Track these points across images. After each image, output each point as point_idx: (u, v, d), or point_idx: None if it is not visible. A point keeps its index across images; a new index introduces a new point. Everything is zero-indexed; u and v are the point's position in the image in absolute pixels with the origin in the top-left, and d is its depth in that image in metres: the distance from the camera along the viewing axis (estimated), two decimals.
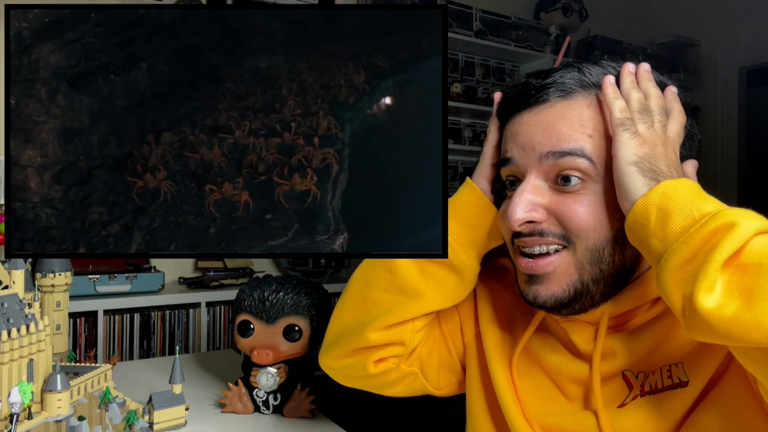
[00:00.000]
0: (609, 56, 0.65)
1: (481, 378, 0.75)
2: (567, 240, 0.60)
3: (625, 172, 0.55)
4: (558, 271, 0.60)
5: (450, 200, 0.71)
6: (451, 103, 2.71)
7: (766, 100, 3.47)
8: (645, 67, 0.62)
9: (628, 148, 0.55)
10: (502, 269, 0.78)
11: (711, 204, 0.51)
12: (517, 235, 0.63)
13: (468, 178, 0.71)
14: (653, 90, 0.61)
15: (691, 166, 0.62)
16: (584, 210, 0.59)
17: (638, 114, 0.58)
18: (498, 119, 0.68)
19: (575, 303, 0.61)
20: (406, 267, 0.70)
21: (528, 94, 0.62)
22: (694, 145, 0.64)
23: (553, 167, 0.59)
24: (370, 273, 0.73)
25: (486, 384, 0.74)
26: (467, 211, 0.69)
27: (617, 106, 0.58)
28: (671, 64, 3.36)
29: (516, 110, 0.64)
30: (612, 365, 0.63)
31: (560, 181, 0.59)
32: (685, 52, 3.52)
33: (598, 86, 0.61)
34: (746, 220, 0.47)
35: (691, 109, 0.64)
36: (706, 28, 3.45)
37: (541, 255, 0.61)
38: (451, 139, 2.83)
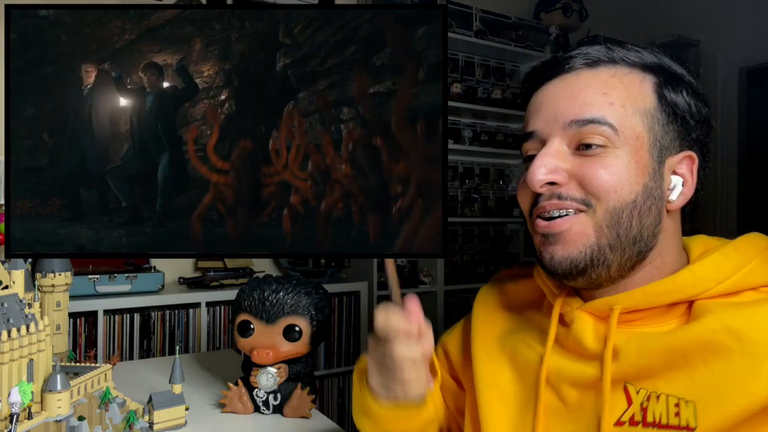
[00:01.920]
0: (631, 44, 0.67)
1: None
2: (587, 203, 0.60)
3: None
4: (574, 230, 0.61)
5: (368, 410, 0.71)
6: (451, 103, 2.71)
7: (766, 100, 3.46)
8: None
9: None
10: (504, 291, 0.79)
11: None
12: (535, 204, 0.63)
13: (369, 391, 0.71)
14: None
15: (687, 165, 0.63)
16: (605, 171, 0.59)
17: None
18: (522, 98, 0.69)
19: (591, 271, 0.61)
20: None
21: (555, 64, 0.64)
22: (708, 132, 0.65)
23: (576, 135, 0.61)
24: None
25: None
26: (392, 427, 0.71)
27: None
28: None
29: (540, 82, 0.65)
30: (614, 369, 0.61)
31: (582, 147, 0.60)
32: (685, 52, 3.52)
33: (624, 60, 0.62)
34: None
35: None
36: (706, 28, 3.45)
37: (560, 217, 0.61)
38: (451, 139, 2.83)
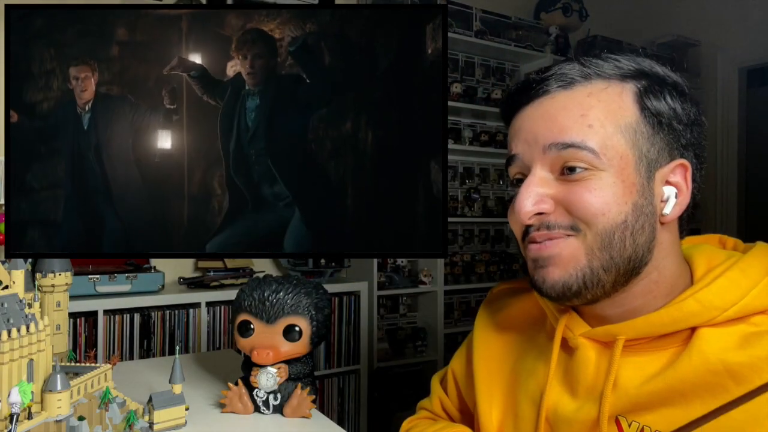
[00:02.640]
0: (595, 52, 0.64)
1: None
2: (576, 229, 0.59)
3: None
4: (564, 254, 0.60)
5: None
6: (451, 103, 2.71)
7: (766, 100, 3.46)
8: None
9: None
10: (503, 308, 0.79)
11: None
12: (527, 232, 0.62)
13: None
14: None
15: (681, 173, 0.61)
16: (591, 195, 0.58)
17: None
18: (504, 123, 0.68)
19: (586, 292, 0.60)
20: None
21: (529, 88, 0.62)
22: (700, 133, 0.63)
23: (558, 159, 0.59)
24: None
25: None
26: None
27: None
28: (671, 65, 3.35)
29: (518, 106, 0.64)
30: (611, 400, 0.60)
31: (566, 172, 0.59)
32: (685, 52, 3.52)
33: (599, 75, 0.60)
34: None
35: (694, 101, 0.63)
36: (706, 28, 3.45)
37: (550, 239, 0.61)
38: (451, 139, 2.83)
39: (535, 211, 0.60)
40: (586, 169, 0.58)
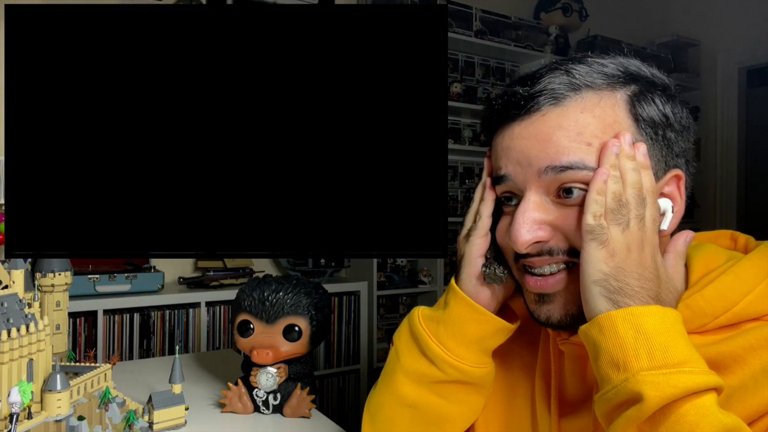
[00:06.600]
0: (595, 52, 0.61)
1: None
2: (576, 253, 0.56)
3: (589, 290, 0.53)
4: (570, 288, 0.57)
5: (444, 315, 0.66)
6: (451, 103, 2.72)
7: (766, 100, 3.47)
8: (625, 141, 0.55)
9: (593, 262, 0.53)
10: None
11: (641, 358, 0.48)
12: (524, 255, 0.59)
13: (455, 286, 0.66)
14: (631, 175, 0.54)
15: (674, 183, 0.59)
16: None
17: (612, 214, 0.53)
18: (484, 135, 0.65)
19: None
20: (425, 398, 0.67)
21: (517, 105, 0.58)
22: (690, 138, 0.60)
23: (554, 181, 0.56)
24: (391, 413, 0.69)
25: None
26: (469, 329, 0.64)
27: (591, 211, 0.54)
28: (671, 64, 3.36)
29: (504, 122, 0.60)
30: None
31: (562, 194, 0.56)
32: (685, 52, 3.53)
33: (589, 86, 0.57)
34: (656, 390, 0.45)
35: (690, 107, 0.61)
36: (706, 28, 3.46)
37: (551, 274, 0.58)
38: (451, 139, 2.83)
39: (532, 240, 0.57)
40: (584, 190, 0.55)
